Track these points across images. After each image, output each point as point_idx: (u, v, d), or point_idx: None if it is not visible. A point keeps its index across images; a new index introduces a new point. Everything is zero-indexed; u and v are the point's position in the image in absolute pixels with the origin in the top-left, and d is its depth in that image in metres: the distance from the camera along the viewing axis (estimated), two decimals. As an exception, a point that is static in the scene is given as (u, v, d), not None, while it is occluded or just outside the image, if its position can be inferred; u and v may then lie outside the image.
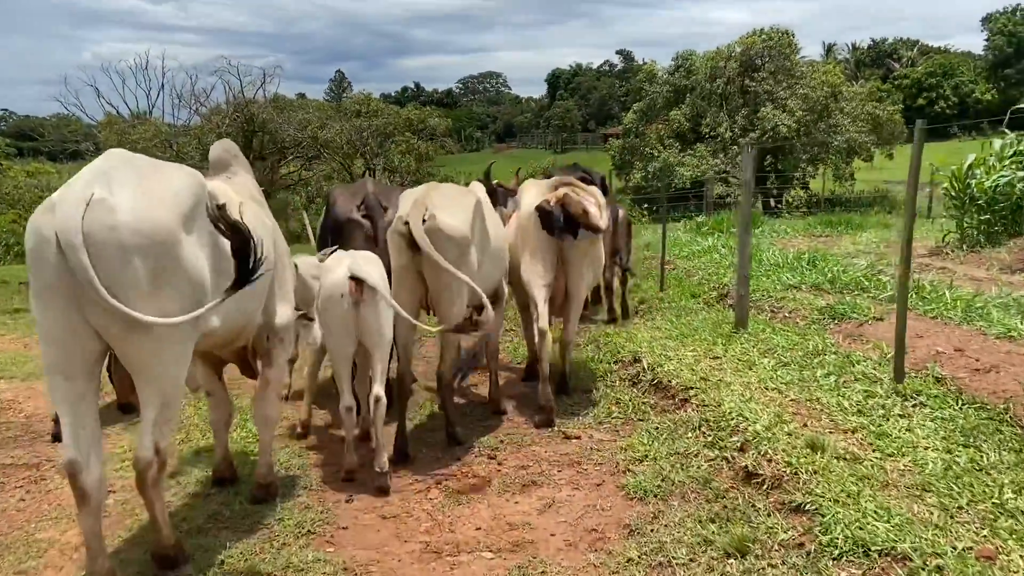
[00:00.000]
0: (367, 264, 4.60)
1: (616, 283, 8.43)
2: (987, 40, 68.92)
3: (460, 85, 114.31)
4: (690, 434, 4.61)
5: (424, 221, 4.61)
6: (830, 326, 6.47)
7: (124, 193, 2.90)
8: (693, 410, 4.90)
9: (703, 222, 15.05)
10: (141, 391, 3.11)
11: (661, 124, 35.31)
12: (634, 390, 5.70)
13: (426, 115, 32.38)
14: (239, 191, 3.99)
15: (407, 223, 4.62)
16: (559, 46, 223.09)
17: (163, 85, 39.23)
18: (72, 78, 54.45)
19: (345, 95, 40.04)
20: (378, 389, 4.47)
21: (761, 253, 10.10)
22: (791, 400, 4.76)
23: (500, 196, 6.95)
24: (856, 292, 7.50)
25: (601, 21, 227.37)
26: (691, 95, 34.77)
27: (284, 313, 4.21)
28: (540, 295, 5.52)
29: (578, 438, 5.04)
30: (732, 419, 4.46)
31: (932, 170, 21.89)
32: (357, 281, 4.37)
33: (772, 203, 31.10)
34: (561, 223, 5.31)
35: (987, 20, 69.70)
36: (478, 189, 5.92)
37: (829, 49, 76.66)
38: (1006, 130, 13.04)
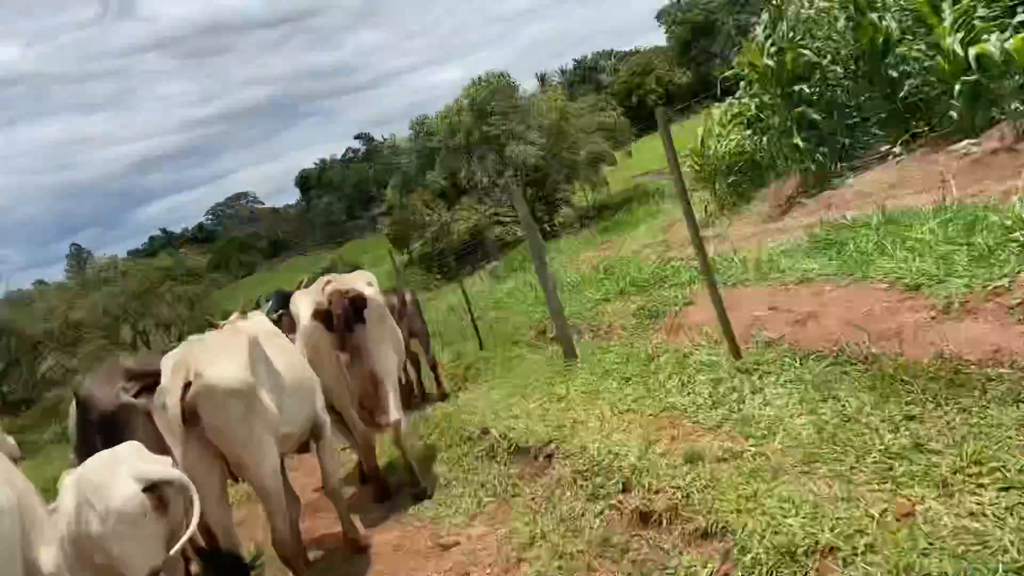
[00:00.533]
0: (148, 460, 3.82)
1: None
2: (667, 32, 77.45)
3: (211, 216, 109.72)
4: (567, 493, 4.26)
5: (188, 385, 3.92)
6: (651, 327, 6.47)
7: None
8: (561, 465, 4.56)
9: (495, 268, 15.13)
10: None
11: (422, 189, 35.81)
12: (494, 464, 5.28)
13: (181, 259, 30.45)
14: None
15: (166, 399, 3.94)
16: (298, 149, 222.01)
17: None
18: None
19: (89, 266, 36.59)
20: None
21: (559, 277, 10.18)
22: (649, 416, 4.57)
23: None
24: (658, 286, 7.64)
25: (330, 114, 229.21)
26: (439, 155, 35.64)
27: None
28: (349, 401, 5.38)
29: (457, 543, 4.51)
30: (603, 460, 4.18)
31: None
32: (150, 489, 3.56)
33: (548, 228, 32.50)
34: (343, 314, 5.20)
35: (661, 16, 78.48)
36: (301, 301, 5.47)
37: (543, 79, 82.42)
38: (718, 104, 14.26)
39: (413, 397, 8.17)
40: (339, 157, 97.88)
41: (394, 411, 5.39)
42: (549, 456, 4.76)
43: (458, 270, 30.45)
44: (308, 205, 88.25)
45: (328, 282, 5.54)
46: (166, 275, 28.26)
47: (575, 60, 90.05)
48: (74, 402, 5.27)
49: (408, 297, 8.06)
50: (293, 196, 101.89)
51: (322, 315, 5.25)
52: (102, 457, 3.87)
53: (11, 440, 4.57)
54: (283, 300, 7.37)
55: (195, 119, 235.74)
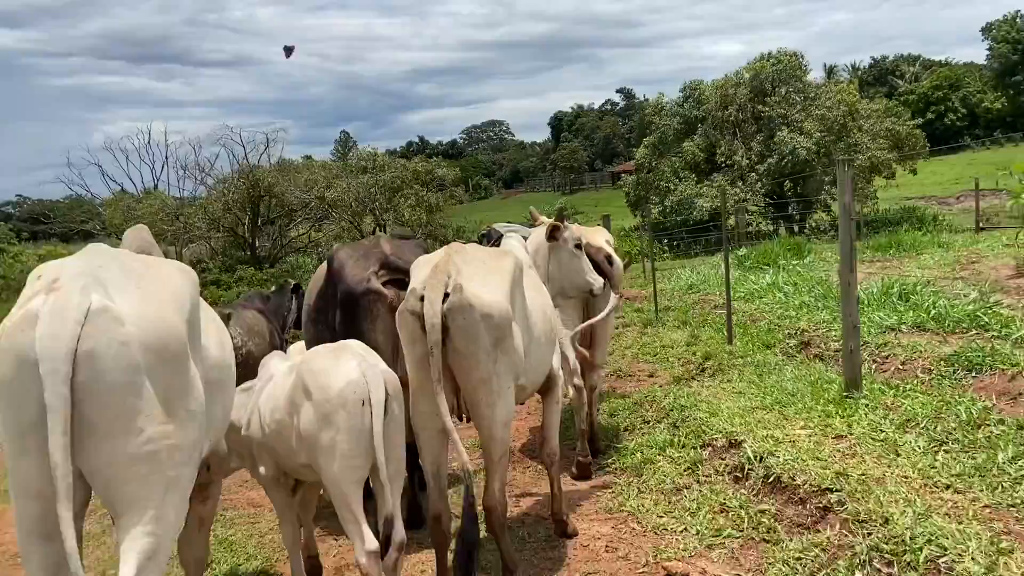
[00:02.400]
0: (373, 358, 3.47)
1: None
2: (989, 49, 68.42)
3: (464, 135, 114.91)
4: (857, 574, 3.24)
5: (447, 296, 3.40)
6: (968, 381, 5.12)
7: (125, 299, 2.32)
8: (844, 527, 3.55)
9: (745, 255, 13.71)
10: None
11: (675, 157, 34.39)
12: (742, 490, 4.36)
13: (433, 166, 31.46)
14: None
15: (422, 298, 3.40)
16: (558, 90, 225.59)
17: (167, 158, 38.60)
18: (78, 159, 54.20)
19: (351, 154, 39.29)
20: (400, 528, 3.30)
21: (828, 287, 8.78)
22: (984, 507, 3.41)
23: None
24: (974, 331, 6.15)
25: (597, 63, 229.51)
26: (702, 125, 33.84)
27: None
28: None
29: (686, 575, 3.69)
30: (918, 547, 3.12)
31: (976, 182, 20.61)
32: None
33: (796, 228, 29.90)
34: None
35: (987, 30, 69.25)
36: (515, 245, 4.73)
37: (830, 71, 76.01)
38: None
39: None
40: (596, 106, 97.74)
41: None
42: (825, 510, 3.75)
43: (689, 248, 28.95)
44: (555, 146, 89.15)
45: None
46: (416, 178, 29.37)
47: (873, 58, 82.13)
48: (324, 265, 5.05)
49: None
50: (543, 135, 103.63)
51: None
52: (329, 345, 3.68)
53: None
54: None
55: (473, 41, 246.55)
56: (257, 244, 29.23)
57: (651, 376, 7.59)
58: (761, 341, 7.44)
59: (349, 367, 3.31)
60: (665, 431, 5.66)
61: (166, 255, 3.85)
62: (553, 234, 5.06)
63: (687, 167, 33.66)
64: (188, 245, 32.22)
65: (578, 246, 5.11)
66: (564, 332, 4.72)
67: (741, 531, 3.97)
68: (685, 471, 4.87)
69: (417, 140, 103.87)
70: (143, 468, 2.28)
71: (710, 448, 4.95)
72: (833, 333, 6.88)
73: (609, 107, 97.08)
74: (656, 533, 4.17)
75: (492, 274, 3.58)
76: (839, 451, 4.29)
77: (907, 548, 3.16)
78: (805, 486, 3.97)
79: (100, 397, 2.18)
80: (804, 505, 3.90)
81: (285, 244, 30.19)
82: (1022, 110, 64.22)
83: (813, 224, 31.99)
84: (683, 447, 5.20)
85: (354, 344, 3.57)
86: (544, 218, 5.61)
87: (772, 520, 3.94)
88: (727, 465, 4.65)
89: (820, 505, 3.80)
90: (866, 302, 7.73)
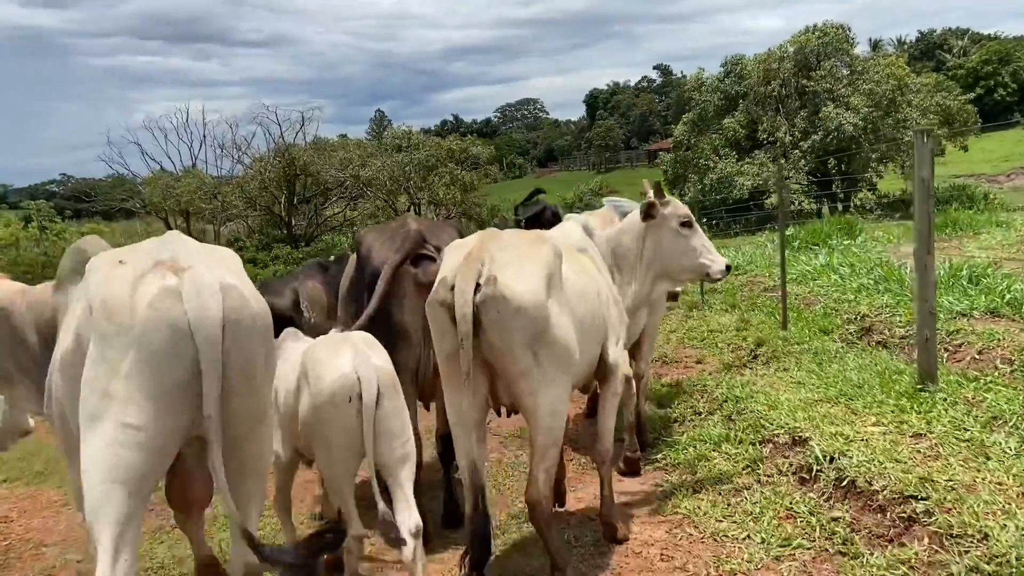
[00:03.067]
0: (373, 351, 3.49)
1: None
2: (1043, 21, 65.70)
3: (498, 114, 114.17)
4: (955, 595, 2.87)
5: (479, 287, 3.12)
6: (1057, 375, 4.66)
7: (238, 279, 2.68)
8: (935, 542, 3.17)
9: (792, 234, 13.12)
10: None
11: (715, 134, 33.57)
12: (810, 494, 3.98)
13: (468, 144, 31.09)
14: None
15: (453, 288, 3.14)
16: (593, 68, 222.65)
17: (204, 137, 38.77)
18: (118, 138, 54.90)
19: (386, 133, 39.07)
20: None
21: (889, 267, 8.27)
22: (1099, 522, 2.99)
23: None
24: (1059, 319, 5.67)
25: (633, 40, 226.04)
26: (744, 101, 32.94)
27: None
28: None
29: (753, 586, 3.34)
30: (1027, 569, 2.73)
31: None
32: None
33: (840, 208, 29.01)
34: None
35: (1042, 1, 66.44)
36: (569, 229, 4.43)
37: (875, 45, 73.69)
38: None
39: None
40: (632, 84, 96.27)
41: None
42: (911, 520, 3.37)
43: (728, 227, 28.26)
44: (591, 124, 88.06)
45: None
46: (450, 156, 29.04)
47: (920, 32, 79.46)
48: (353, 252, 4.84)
49: None
50: (577, 112, 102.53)
51: None
52: (336, 336, 3.69)
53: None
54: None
55: (508, 19, 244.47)
56: (293, 223, 29.22)
57: (699, 363, 7.18)
58: (818, 326, 7.00)
59: (343, 361, 3.33)
60: (720, 424, 5.26)
61: (203, 234, 3.79)
62: (650, 212, 4.42)
63: (727, 144, 32.85)
64: (225, 223, 32.38)
65: (687, 224, 4.42)
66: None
67: (812, 541, 3.60)
68: (744, 470, 4.49)
69: (451, 119, 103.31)
70: (259, 425, 2.71)
71: (771, 445, 4.57)
72: (897, 318, 6.43)
73: (645, 84, 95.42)
74: (715, 540, 3.82)
75: (528, 263, 3.26)
76: (919, 452, 3.89)
77: (1013, 570, 2.77)
78: (884, 492, 3.59)
79: (236, 362, 2.53)
80: (884, 514, 3.52)
81: (321, 223, 30.16)
82: (1073, 85, 61.68)
83: (858, 203, 31.03)
84: (740, 443, 4.78)
85: (357, 336, 3.60)
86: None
87: (847, 530, 3.56)
88: (791, 465, 4.27)
89: (903, 515, 3.42)
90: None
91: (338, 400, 3.26)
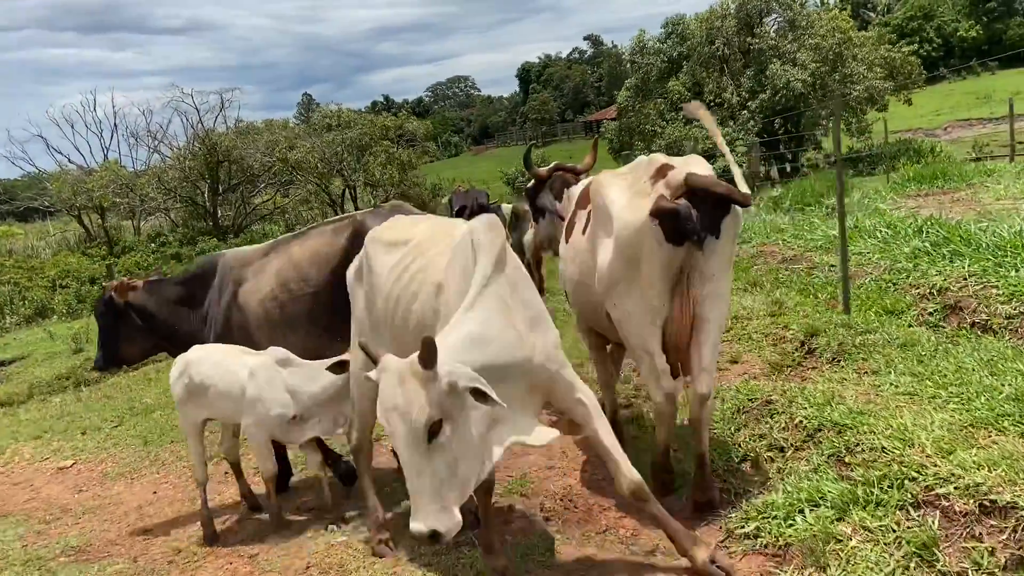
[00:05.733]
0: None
1: None
2: (962, -24, 66.72)
3: (429, 93, 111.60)
4: None
5: None
6: None
7: None
8: None
9: (780, 195, 11.82)
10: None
11: (660, 98, 32.36)
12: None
13: (403, 120, 29.15)
14: None
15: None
16: (523, 43, 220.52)
17: (115, 126, 35.73)
18: (20, 133, 50.90)
19: (314, 114, 36.83)
20: None
21: (957, 228, 6.74)
22: None
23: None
24: None
25: (562, 12, 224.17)
26: (687, 63, 31.78)
27: None
28: (656, 340, 3.76)
29: None
30: None
31: (1010, 103, 18.94)
32: None
33: (788, 168, 28.18)
34: (697, 222, 3.54)
35: (960, -46, 67.47)
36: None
37: (802, 4, 73.83)
38: None
39: None
40: (563, 56, 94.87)
41: (709, 376, 3.73)
42: None
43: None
44: (524, 99, 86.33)
45: (664, 166, 3.75)
46: (385, 134, 27.08)
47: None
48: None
49: None
50: (509, 89, 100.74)
51: (668, 215, 3.52)
52: None
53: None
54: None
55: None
56: (219, 214, 26.96)
57: (734, 362, 5.53)
58: (879, 306, 5.60)
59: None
60: (825, 470, 3.60)
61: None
62: None
63: (673, 108, 31.70)
64: (146, 218, 30.02)
65: None
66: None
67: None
68: (914, 568, 2.87)
69: (382, 99, 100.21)
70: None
71: (938, 511, 3.05)
72: (995, 292, 5.07)
73: (577, 56, 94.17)
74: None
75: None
76: None
77: None
78: None
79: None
80: None
81: (249, 212, 27.96)
82: (997, 37, 62.78)
83: (807, 162, 30.29)
84: (881, 507, 3.12)
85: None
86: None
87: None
88: (991, 551, 2.75)
89: None
90: (997, 247, 5.91)
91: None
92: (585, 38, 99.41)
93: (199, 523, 4.69)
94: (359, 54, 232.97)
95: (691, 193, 3.54)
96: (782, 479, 3.72)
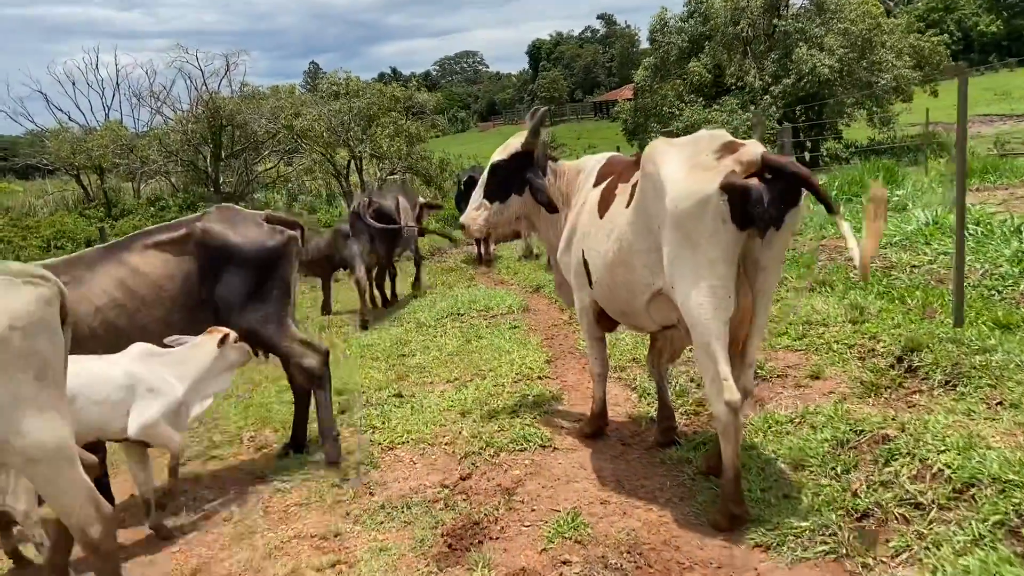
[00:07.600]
0: None
1: None
2: (986, -31, 65.82)
3: (437, 67, 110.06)
4: None
5: None
6: None
7: None
8: None
9: (827, 184, 10.96)
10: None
11: (678, 79, 31.31)
12: None
13: (412, 91, 28.02)
14: None
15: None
16: (534, 19, 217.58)
17: (117, 85, 34.48)
18: (21, 89, 49.81)
19: (321, 81, 35.87)
20: None
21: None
22: None
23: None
24: None
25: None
26: (710, 43, 30.69)
27: None
28: (722, 336, 3.28)
29: None
30: None
31: None
32: None
33: (808, 158, 27.25)
34: (769, 204, 3.10)
35: (984, -52, 66.51)
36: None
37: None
38: None
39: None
40: (575, 34, 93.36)
41: (751, 371, 3.54)
42: None
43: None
44: (534, 76, 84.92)
45: (733, 142, 3.36)
46: (393, 104, 25.99)
47: (865, -21, 78.66)
48: None
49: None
50: (517, 66, 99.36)
51: (740, 192, 3.12)
52: None
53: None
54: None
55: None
56: (221, 180, 26.00)
57: (815, 378, 4.67)
58: (990, 318, 4.75)
59: None
60: (995, 547, 2.69)
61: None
62: None
63: (692, 90, 30.68)
64: (147, 181, 29.10)
65: None
66: None
67: None
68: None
69: (389, 71, 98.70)
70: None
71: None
72: None
73: (589, 35, 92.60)
74: None
75: None
76: None
77: None
78: None
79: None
80: None
81: (252, 179, 26.99)
82: (1018, 33, 61.68)
83: (829, 151, 29.29)
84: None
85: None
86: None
87: None
88: None
89: None
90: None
91: None
92: (598, 17, 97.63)
93: None
94: (367, 24, 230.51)
95: (763, 174, 3.16)
96: (926, 549, 2.86)
